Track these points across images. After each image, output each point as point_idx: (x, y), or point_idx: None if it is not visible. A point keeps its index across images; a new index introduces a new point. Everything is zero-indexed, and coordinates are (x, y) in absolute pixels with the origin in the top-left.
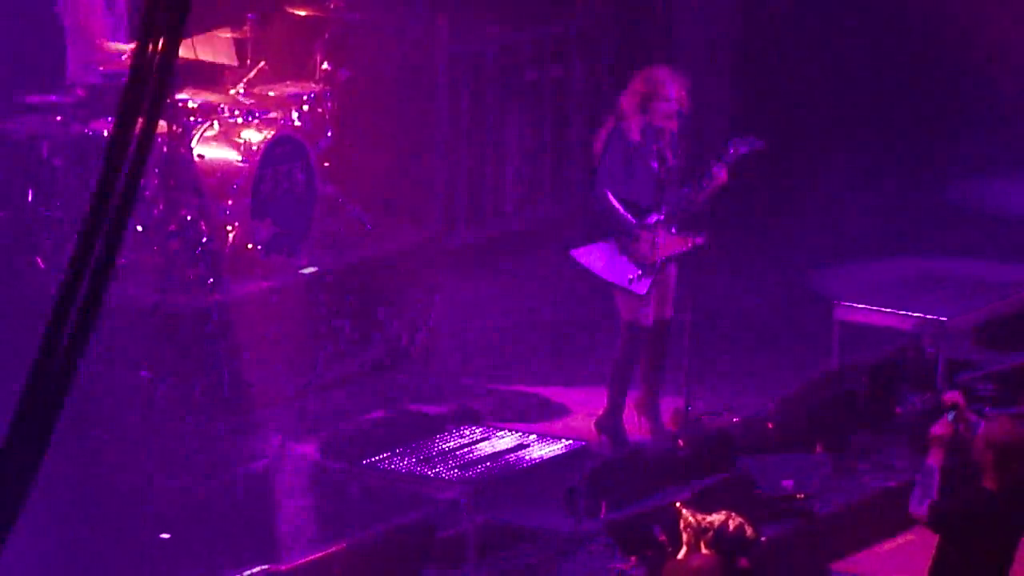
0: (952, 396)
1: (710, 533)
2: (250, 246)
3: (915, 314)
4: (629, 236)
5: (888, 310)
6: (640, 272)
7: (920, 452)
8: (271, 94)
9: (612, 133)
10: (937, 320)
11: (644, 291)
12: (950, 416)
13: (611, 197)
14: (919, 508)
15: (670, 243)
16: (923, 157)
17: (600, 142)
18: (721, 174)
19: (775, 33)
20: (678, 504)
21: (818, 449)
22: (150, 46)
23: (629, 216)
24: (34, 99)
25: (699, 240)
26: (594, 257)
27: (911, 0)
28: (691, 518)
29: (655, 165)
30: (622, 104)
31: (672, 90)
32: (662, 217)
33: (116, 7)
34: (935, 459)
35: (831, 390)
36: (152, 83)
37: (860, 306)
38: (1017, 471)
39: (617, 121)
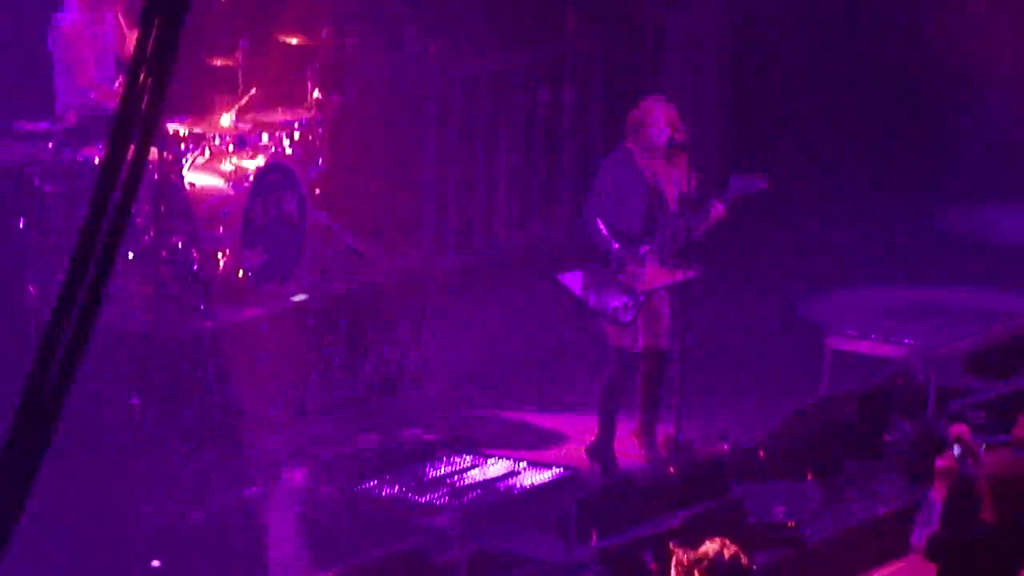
0: (958, 429)
1: (704, 563)
2: (241, 273)
3: (905, 342)
4: (615, 264)
5: (878, 338)
6: (626, 301)
7: (911, 480)
8: (263, 121)
9: (607, 160)
10: (927, 348)
11: (628, 320)
12: (956, 450)
13: (599, 223)
14: (919, 539)
15: (658, 274)
16: (914, 184)
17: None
18: (718, 210)
19: (765, 59)
20: (671, 545)
21: (809, 477)
22: (141, 73)
23: (616, 244)
24: (24, 126)
25: (689, 274)
26: (580, 283)
27: (901, 28)
28: (683, 556)
29: (647, 195)
30: (623, 135)
31: (660, 116)
32: (653, 247)
33: (106, 43)
34: (938, 492)
35: (822, 418)
36: (143, 110)
37: (851, 334)
38: (1016, 504)
39: (616, 149)
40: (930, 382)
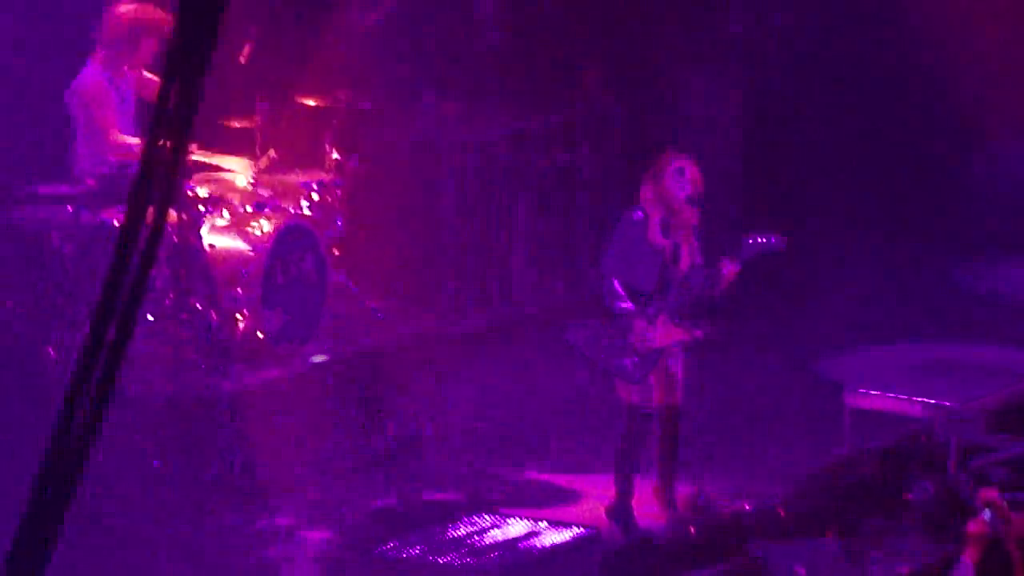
0: (988, 494)
1: None
2: (260, 335)
3: (926, 399)
4: (625, 322)
5: (899, 395)
6: (635, 359)
7: (932, 538)
8: (281, 183)
9: (624, 217)
10: (949, 405)
11: (638, 378)
12: (987, 514)
13: (615, 282)
14: None
15: (669, 332)
16: (932, 240)
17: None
18: (731, 270)
19: (782, 117)
20: None
21: (829, 535)
22: (161, 136)
23: (627, 302)
24: (44, 189)
25: (698, 333)
26: (588, 339)
27: (917, 83)
28: None
29: (663, 255)
30: (640, 191)
31: (680, 170)
32: (665, 306)
33: (127, 101)
34: (970, 556)
35: (842, 476)
36: (163, 173)
37: (870, 392)
38: None
39: (634, 206)
40: (951, 439)
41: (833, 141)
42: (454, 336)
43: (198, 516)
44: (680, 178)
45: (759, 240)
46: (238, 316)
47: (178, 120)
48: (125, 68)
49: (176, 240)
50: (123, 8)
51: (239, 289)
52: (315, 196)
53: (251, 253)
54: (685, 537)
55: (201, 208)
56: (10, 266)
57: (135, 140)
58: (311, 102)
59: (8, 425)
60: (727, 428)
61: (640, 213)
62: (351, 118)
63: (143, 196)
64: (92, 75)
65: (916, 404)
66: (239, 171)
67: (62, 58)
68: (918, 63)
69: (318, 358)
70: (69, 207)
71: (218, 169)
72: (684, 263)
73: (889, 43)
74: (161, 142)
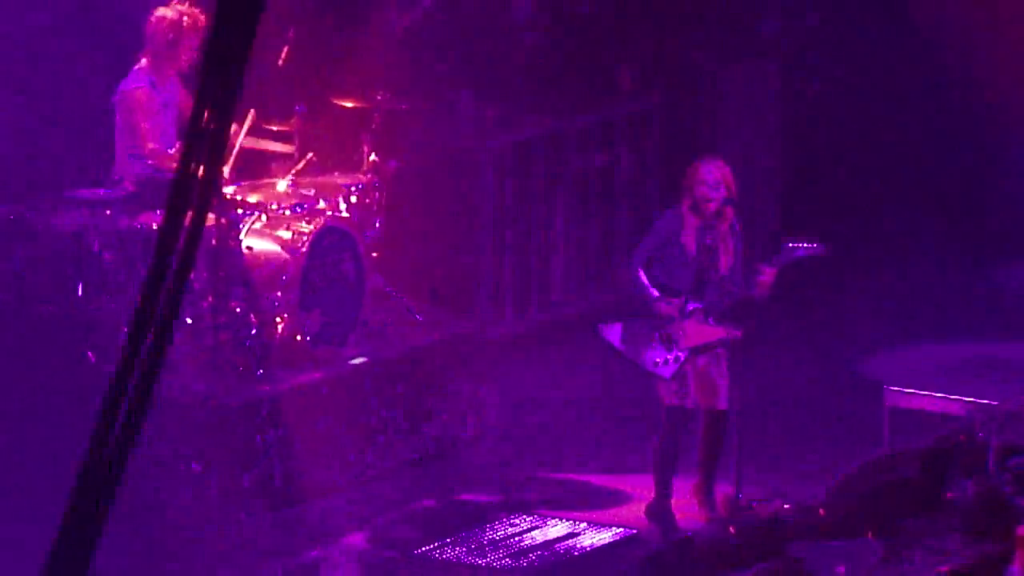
0: None
1: None
2: (299, 337)
3: (966, 398)
4: (657, 319)
5: (938, 395)
6: (666, 356)
7: (972, 537)
8: (319, 185)
9: (662, 218)
10: (988, 404)
11: (668, 375)
12: None
13: (643, 277)
14: None
15: (700, 332)
16: (972, 239)
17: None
18: (768, 275)
19: (818, 113)
20: None
21: (869, 535)
22: (199, 139)
23: (655, 292)
24: (83, 194)
25: (734, 333)
26: (621, 335)
27: (957, 83)
28: None
29: (697, 257)
30: (679, 192)
31: (713, 176)
32: (700, 307)
33: (170, 106)
34: (1019, 562)
35: (882, 476)
36: (200, 176)
37: (910, 391)
38: None
39: (671, 208)
40: (991, 439)
41: (871, 139)
42: (492, 338)
43: (237, 519)
44: (712, 183)
45: (799, 246)
46: (277, 319)
47: (216, 123)
48: (170, 72)
49: (214, 243)
50: (163, 11)
51: (278, 292)
52: (353, 198)
53: (289, 256)
54: (724, 537)
55: (239, 211)
56: (49, 270)
57: (172, 150)
58: (349, 104)
59: (48, 430)
60: (766, 428)
61: (675, 214)
62: (389, 120)
63: (181, 199)
64: (135, 80)
65: (956, 403)
66: (284, 153)
67: (105, 62)
68: (957, 60)
69: (357, 360)
70: (107, 211)
71: (262, 157)
72: (722, 264)
73: (928, 40)
74: (199, 145)
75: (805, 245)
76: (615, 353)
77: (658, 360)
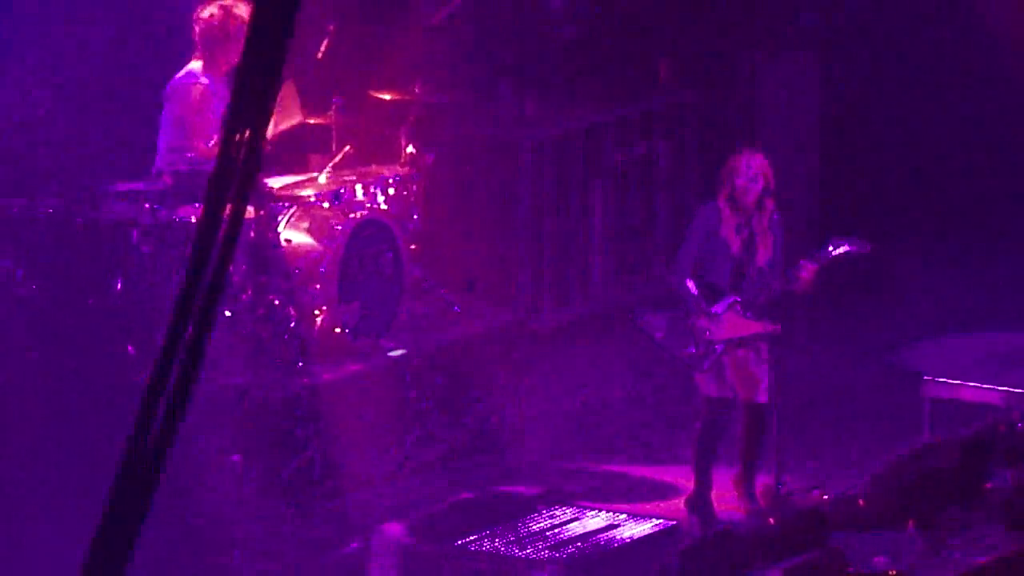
0: None
1: None
2: (338, 330)
3: (1006, 388)
4: (694, 311)
5: (978, 385)
6: (702, 349)
7: (1013, 527)
8: (357, 177)
9: (700, 212)
10: None
11: (705, 368)
12: None
13: (681, 275)
14: None
15: (736, 326)
16: (1010, 228)
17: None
18: (809, 271)
19: (857, 105)
20: None
21: (910, 525)
22: (237, 133)
23: (696, 291)
24: (123, 187)
25: (769, 327)
26: (657, 325)
27: (994, 68)
28: None
29: (736, 251)
30: (717, 185)
31: (752, 168)
32: (738, 301)
33: (225, 102)
34: None
35: (921, 466)
36: (239, 169)
37: (950, 381)
38: None
39: (709, 202)
40: None
41: (910, 131)
42: (532, 330)
43: (277, 511)
44: (751, 174)
45: (843, 244)
46: (316, 311)
47: (254, 116)
48: (222, 70)
49: (253, 236)
50: (210, 10)
51: (316, 284)
52: (391, 190)
53: (328, 248)
54: (764, 528)
55: (278, 203)
56: (90, 264)
57: (211, 143)
58: (387, 96)
59: (89, 423)
60: (806, 419)
61: (713, 208)
62: (427, 112)
63: (220, 192)
64: (189, 78)
65: (996, 393)
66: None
67: (150, 55)
68: (996, 53)
69: (395, 352)
70: (147, 204)
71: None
72: (760, 257)
73: (967, 34)
74: (237, 138)
75: (849, 243)
76: (651, 342)
77: (694, 352)
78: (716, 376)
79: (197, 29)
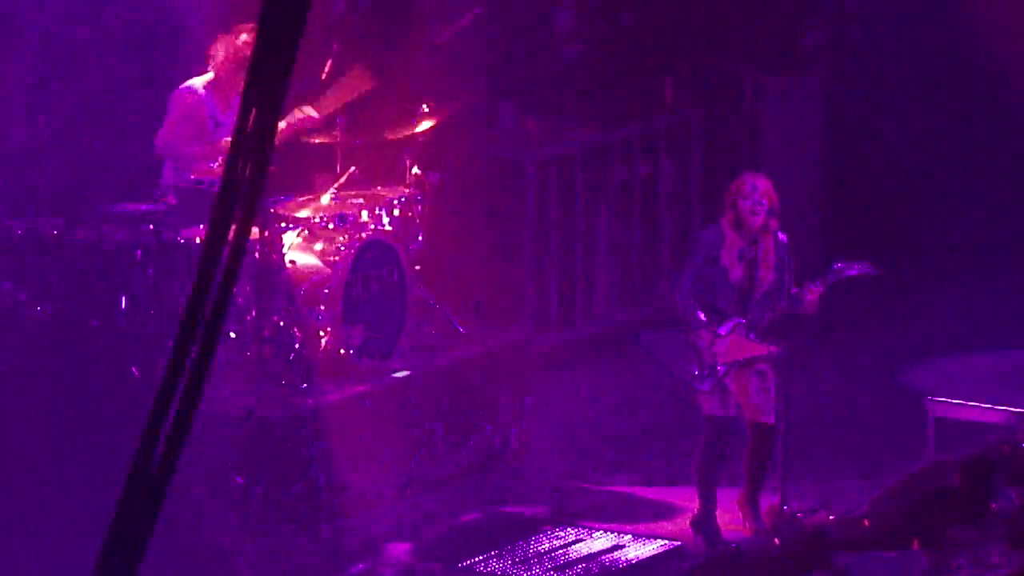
0: None
1: None
2: (343, 351)
3: (1010, 408)
4: (696, 331)
5: (982, 405)
6: (705, 369)
7: (1018, 547)
8: (362, 198)
9: (703, 235)
10: None
11: (707, 388)
12: None
13: (685, 299)
14: None
15: (743, 347)
16: (1014, 245)
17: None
18: (815, 293)
19: (860, 125)
20: None
21: (915, 545)
22: (241, 155)
23: (701, 314)
24: (127, 208)
25: (772, 349)
26: (662, 346)
27: (994, 86)
28: None
29: (740, 273)
30: (721, 208)
31: (756, 190)
32: (743, 323)
33: (223, 127)
34: None
35: (926, 485)
36: (244, 191)
37: (954, 401)
38: None
39: (712, 225)
40: None
41: (912, 149)
42: (537, 350)
43: (282, 532)
44: (755, 196)
45: (852, 268)
46: (320, 332)
47: (259, 138)
48: (231, 96)
49: (258, 257)
50: (225, 39)
51: (321, 306)
52: (396, 211)
53: (332, 269)
54: (769, 549)
55: (283, 225)
56: (94, 285)
57: (215, 164)
58: (391, 119)
59: (93, 444)
60: (811, 439)
61: (714, 232)
62: (431, 133)
63: (225, 214)
64: (194, 91)
65: (1000, 413)
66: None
67: (154, 78)
68: (996, 71)
69: (400, 373)
70: (151, 225)
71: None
72: (764, 279)
73: (970, 52)
74: (242, 160)
75: (856, 265)
76: (655, 363)
77: (696, 372)
78: (719, 396)
79: (218, 50)
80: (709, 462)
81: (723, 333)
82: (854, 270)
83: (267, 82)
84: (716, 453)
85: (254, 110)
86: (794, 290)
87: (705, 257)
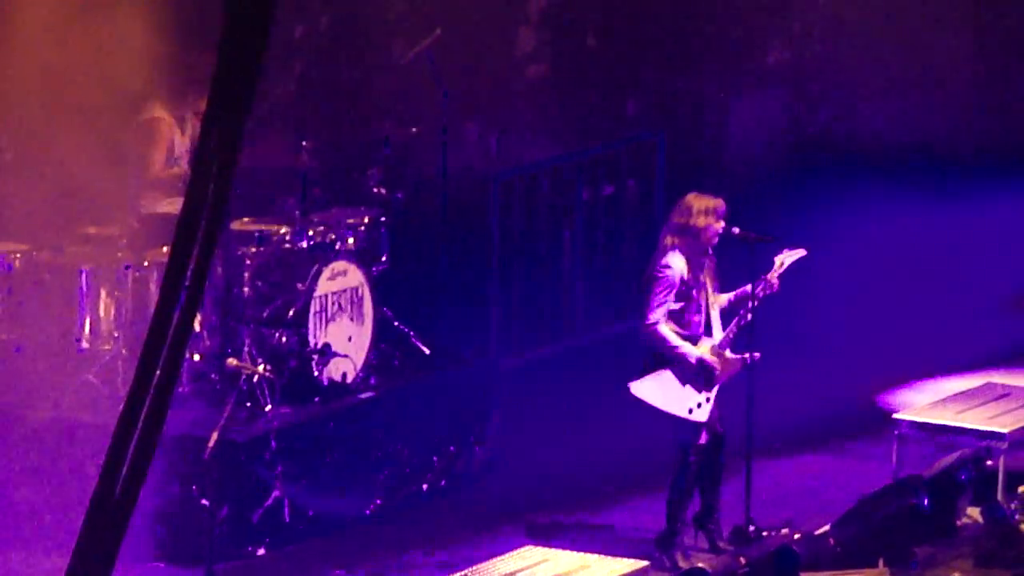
0: None
1: None
2: (307, 372)
3: (975, 427)
4: (687, 366)
5: (948, 423)
6: (700, 400)
7: (982, 564)
8: (327, 219)
9: (659, 273)
10: (997, 432)
11: (704, 419)
12: None
13: (662, 330)
14: None
15: (727, 365)
16: (976, 268)
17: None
18: (773, 288)
19: (822, 142)
20: None
21: (880, 563)
22: (205, 176)
23: (680, 342)
24: (91, 231)
25: (756, 356)
26: (653, 390)
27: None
28: None
29: (704, 293)
30: (665, 239)
31: (718, 206)
32: (719, 344)
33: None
34: None
35: (892, 504)
36: (207, 214)
37: (920, 419)
38: None
39: (663, 254)
40: (1000, 466)
41: (877, 167)
42: (502, 369)
43: (246, 553)
44: (719, 214)
45: (785, 253)
46: (284, 353)
47: (221, 162)
48: (189, 114)
49: (221, 281)
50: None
51: (285, 327)
52: (361, 231)
53: (297, 290)
54: (735, 568)
55: (247, 247)
56: (56, 307)
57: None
58: (356, 138)
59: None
60: (776, 457)
61: (671, 262)
62: (395, 153)
63: (188, 237)
64: (148, 115)
65: (965, 432)
66: None
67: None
68: (965, 83)
69: (365, 395)
70: (114, 248)
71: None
72: (715, 294)
73: (928, 68)
74: (205, 182)
75: (790, 251)
76: (649, 408)
77: (692, 406)
78: (707, 423)
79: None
80: (686, 488)
81: (720, 349)
82: (790, 255)
83: (229, 104)
84: (692, 479)
85: (215, 131)
86: (762, 295)
87: (668, 289)
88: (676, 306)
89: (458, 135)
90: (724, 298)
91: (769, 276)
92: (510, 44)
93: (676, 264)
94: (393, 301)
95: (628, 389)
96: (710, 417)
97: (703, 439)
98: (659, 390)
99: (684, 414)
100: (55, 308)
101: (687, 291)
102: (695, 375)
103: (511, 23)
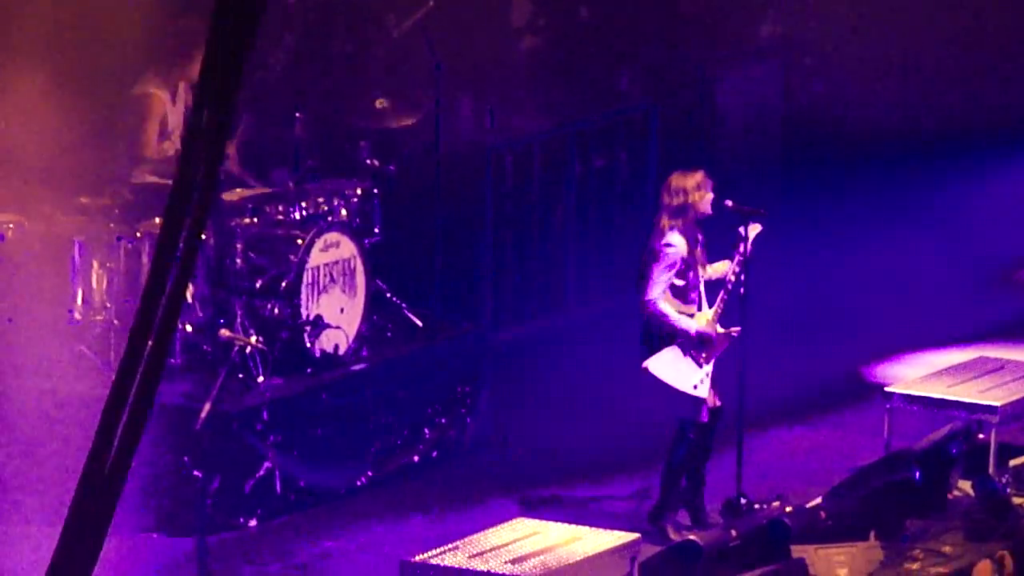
0: None
1: None
2: (299, 343)
3: (967, 400)
4: (688, 340)
5: (939, 396)
6: (703, 376)
7: (974, 538)
8: (319, 191)
9: (659, 252)
10: (989, 406)
11: (705, 395)
12: None
13: (661, 306)
14: None
15: (721, 339)
16: (978, 239)
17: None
18: (746, 253)
19: (818, 116)
20: None
21: (871, 536)
22: (197, 149)
23: (680, 316)
24: (82, 201)
25: (739, 329)
26: (666, 367)
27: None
28: None
29: (699, 270)
30: (662, 221)
31: (708, 181)
32: (711, 319)
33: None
34: None
35: (883, 477)
36: (199, 184)
37: (911, 392)
38: None
39: (661, 231)
40: (992, 439)
41: (871, 141)
42: (494, 342)
43: (238, 525)
44: (705, 187)
45: (748, 220)
46: (277, 325)
47: (213, 132)
48: (181, 84)
49: (213, 252)
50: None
51: (277, 298)
52: (354, 202)
53: (289, 262)
54: (727, 540)
55: (239, 218)
56: (50, 278)
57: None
58: (349, 110)
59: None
60: (768, 431)
61: (673, 241)
62: (388, 124)
63: (180, 208)
64: (142, 88)
65: (957, 405)
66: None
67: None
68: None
69: (357, 366)
70: (106, 218)
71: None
72: (704, 266)
73: (923, 41)
74: (196, 155)
75: (752, 214)
76: (644, 382)
77: (696, 383)
78: (708, 399)
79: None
80: (683, 463)
81: (715, 325)
82: (752, 218)
83: (220, 80)
84: (691, 455)
85: (207, 104)
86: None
87: (669, 269)
88: (680, 283)
89: (451, 107)
90: (711, 270)
91: (742, 248)
92: (503, 16)
93: (678, 243)
94: (386, 273)
95: (627, 366)
96: (709, 394)
97: (704, 416)
98: (671, 366)
99: (690, 390)
100: (47, 279)
101: (686, 269)
102: (696, 349)
103: None
